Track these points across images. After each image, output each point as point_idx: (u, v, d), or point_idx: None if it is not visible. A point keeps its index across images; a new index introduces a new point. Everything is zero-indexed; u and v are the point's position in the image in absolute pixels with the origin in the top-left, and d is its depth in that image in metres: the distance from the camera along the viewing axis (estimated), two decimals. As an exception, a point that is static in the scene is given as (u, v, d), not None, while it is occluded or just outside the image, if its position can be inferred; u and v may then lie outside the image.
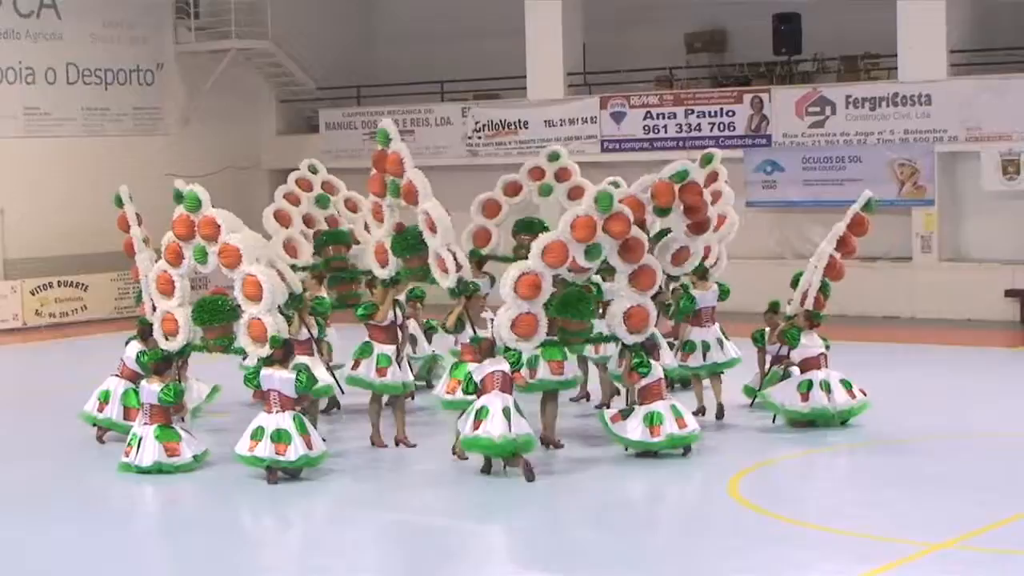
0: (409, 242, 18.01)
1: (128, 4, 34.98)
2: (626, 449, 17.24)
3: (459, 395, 16.96)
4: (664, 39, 33.85)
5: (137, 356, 18.21)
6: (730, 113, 31.45)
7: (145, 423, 16.99)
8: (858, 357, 21.70)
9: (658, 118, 32.22)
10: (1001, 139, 28.70)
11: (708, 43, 33.93)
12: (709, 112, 31.67)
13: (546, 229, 18.82)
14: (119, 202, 19.16)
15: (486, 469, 16.48)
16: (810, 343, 18.81)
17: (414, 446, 18.12)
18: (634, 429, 17.05)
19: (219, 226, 16.86)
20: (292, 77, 37.30)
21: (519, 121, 33.73)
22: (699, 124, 31.49)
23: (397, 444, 18.17)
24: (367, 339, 18.21)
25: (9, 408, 22.55)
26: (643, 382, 17.10)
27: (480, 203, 21.22)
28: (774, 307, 19.30)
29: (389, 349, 18.10)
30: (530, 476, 16.04)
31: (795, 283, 19.22)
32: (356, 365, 18.12)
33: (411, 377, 18.68)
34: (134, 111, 35.17)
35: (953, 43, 29.53)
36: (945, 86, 29.30)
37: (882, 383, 20.49)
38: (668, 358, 18.52)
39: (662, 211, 17.32)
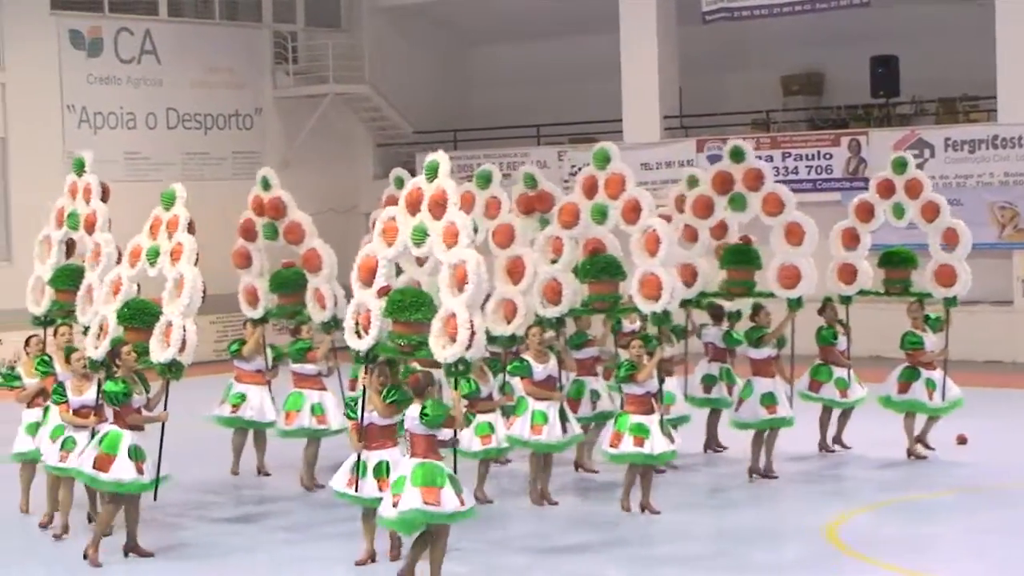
0: (600, 267, 17.57)
1: (227, 49, 35.42)
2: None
3: (624, 447, 16.17)
4: (761, 82, 33.82)
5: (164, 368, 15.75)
6: (827, 156, 31.29)
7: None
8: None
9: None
10: (1103, 181, 28.44)
11: (805, 86, 33.88)
12: (806, 155, 31.52)
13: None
14: (78, 166, 18.42)
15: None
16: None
17: (556, 503, 17.25)
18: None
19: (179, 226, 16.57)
20: (389, 121, 37.54)
21: (615, 164, 33.59)
22: (796, 167, 31.34)
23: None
24: (522, 394, 17.07)
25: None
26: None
27: None
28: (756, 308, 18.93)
29: (544, 405, 16.96)
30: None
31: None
32: (511, 424, 16.93)
33: (576, 430, 17.34)
34: (233, 155, 35.53)
35: (1054, 85, 29.30)
36: (1045, 128, 29.08)
37: (984, 428, 20.29)
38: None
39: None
